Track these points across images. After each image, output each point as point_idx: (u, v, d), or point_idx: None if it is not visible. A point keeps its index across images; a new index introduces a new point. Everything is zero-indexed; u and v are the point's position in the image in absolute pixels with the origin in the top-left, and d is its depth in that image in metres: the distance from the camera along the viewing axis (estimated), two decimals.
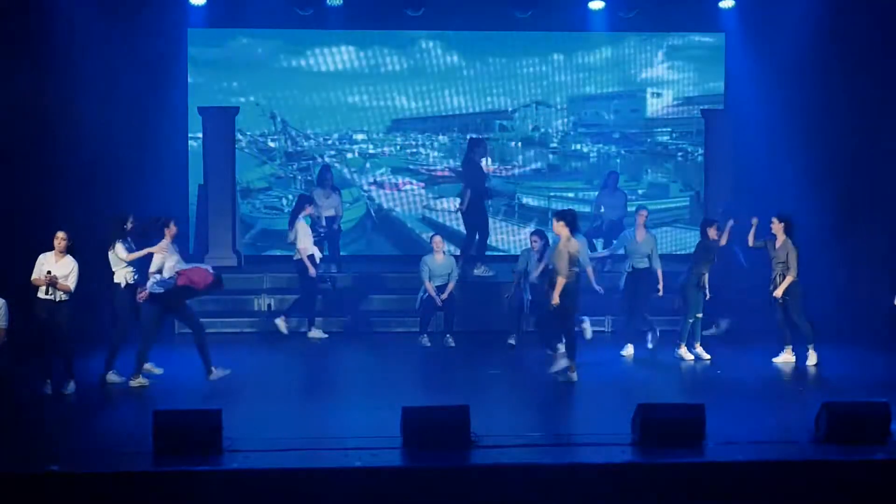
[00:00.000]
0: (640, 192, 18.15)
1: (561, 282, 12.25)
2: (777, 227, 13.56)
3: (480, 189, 16.01)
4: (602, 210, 16.96)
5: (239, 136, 17.62)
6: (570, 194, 18.28)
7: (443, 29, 17.75)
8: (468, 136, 17.14)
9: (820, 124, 16.04)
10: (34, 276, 11.90)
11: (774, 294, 13.46)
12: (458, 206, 16.28)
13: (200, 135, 17.29)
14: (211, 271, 12.39)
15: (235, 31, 17.64)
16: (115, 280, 12.55)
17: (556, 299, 12.32)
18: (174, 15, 16.50)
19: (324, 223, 16.24)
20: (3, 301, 11.79)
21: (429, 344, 14.74)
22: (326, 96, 17.85)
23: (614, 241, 15.02)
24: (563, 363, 12.65)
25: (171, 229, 12.50)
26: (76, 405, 11.67)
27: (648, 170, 18.36)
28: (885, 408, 10.30)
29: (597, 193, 17.37)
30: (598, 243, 17.03)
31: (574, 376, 12.53)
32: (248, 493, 9.23)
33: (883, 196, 15.73)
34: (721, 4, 16.87)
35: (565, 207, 14.00)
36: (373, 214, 18.20)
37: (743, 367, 13.41)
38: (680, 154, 18.37)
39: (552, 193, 18.29)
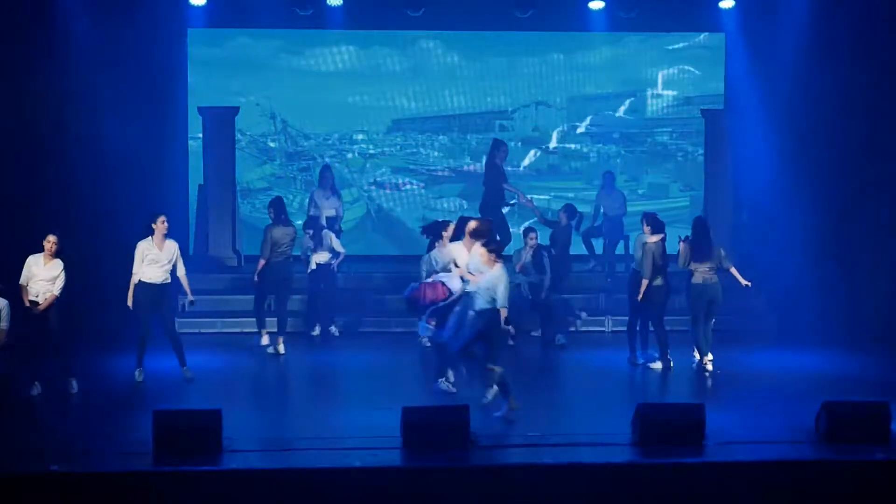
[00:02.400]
0: (640, 192, 18.14)
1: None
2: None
3: (499, 191, 16.12)
4: (601, 210, 16.97)
5: (239, 136, 17.61)
6: (570, 194, 18.25)
7: (443, 29, 17.74)
8: (493, 138, 17.14)
9: (819, 124, 16.04)
10: (23, 279, 11.96)
11: None
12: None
13: (200, 135, 17.30)
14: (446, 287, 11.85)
15: (235, 31, 17.63)
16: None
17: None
18: (174, 15, 16.50)
19: (324, 223, 16.23)
20: (6, 302, 11.80)
21: (429, 344, 14.74)
22: (326, 96, 17.84)
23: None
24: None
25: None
26: (76, 405, 11.68)
27: (648, 170, 18.35)
28: (885, 408, 10.30)
29: (595, 194, 17.37)
30: (598, 243, 17.05)
31: None
32: (248, 493, 9.23)
33: (882, 196, 15.73)
34: (721, 4, 16.86)
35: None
36: (373, 215, 18.19)
37: (743, 367, 13.41)
38: (680, 154, 18.37)
39: (552, 193, 18.28)
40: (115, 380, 12.53)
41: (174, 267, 12.70)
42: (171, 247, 12.72)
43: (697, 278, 13.18)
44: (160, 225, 12.62)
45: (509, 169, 18.01)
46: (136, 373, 12.58)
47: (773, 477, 9.55)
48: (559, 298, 14.86)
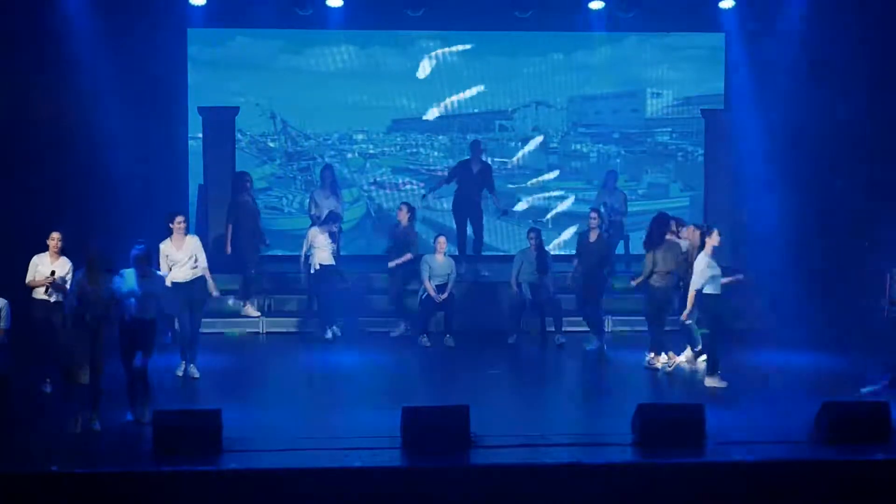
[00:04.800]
0: (640, 192, 18.14)
1: None
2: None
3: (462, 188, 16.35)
4: (602, 210, 16.94)
5: (239, 136, 17.62)
6: (571, 194, 18.27)
7: (443, 29, 17.74)
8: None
9: (820, 124, 16.05)
10: (29, 277, 11.94)
11: None
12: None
13: (200, 135, 17.30)
14: None
15: (235, 31, 17.62)
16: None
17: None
18: (174, 15, 16.50)
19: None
20: (5, 301, 11.78)
21: (429, 344, 14.75)
22: (326, 96, 17.84)
23: None
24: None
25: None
26: (77, 405, 11.65)
27: (648, 170, 18.34)
28: (885, 408, 10.32)
29: (596, 193, 17.36)
30: None
31: None
32: (248, 493, 9.23)
33: (882, 194, 15.73)
34: (721, 4, 16.86)
35: None
36: (373, 214, 18.19)
37: (742, 367, 13.41)
38: (680, 154, 18.36)
39: (552, 193, 18.27)
40: (116, 380, 12.51)
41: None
42: (191, 243, 12.79)
43: (654, 281, 13.25)
44: (176, 225, 12.67)
45: (509, 167, 18.07)
46: (185, 367, 12.73)
47: (773, 477, 9.56)
48: (559, 298, 14.87)
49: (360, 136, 18.08)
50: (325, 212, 15.60)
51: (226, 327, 15.47)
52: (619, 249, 16.93)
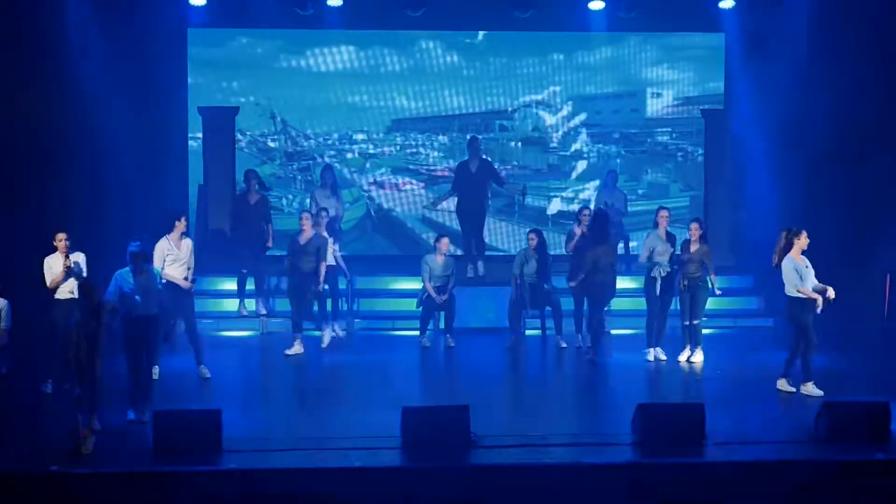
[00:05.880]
0: (640, 192, 18.15)
1: None
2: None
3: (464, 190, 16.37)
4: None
5: (239, 136, 17.63)
6: (570, 194, 18.27)
7: (443, 29, 17.75)
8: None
9: (820, 124, 16.03)
10: (48, 279, 11.91)
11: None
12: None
13: (200, 135, 17.30)
14: None
15: (235, 31, 17.64)
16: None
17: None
18: (174, 15, 16.50)
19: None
20: (6, 302, 11.79)
21: (429, 344, 14.75)
22: (326, 96, 17.85)
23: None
24: None
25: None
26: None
27: (648, 170, 18.35)
28: (885, 408, 10.32)
29: (596, 193, 17.37)
30: None
31: None
32: (248, 493, 9.23)
33: (882, 195, 15.72)
34: (721, 4, 16.87)
35: None
36: (373, 214, 18.19)
37: (743, 367, 13.42)
38: (680, 154, 18.36)
39: (552, 193, 18.29)
40: (115, 380, 12.52)
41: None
42: (188, 244, 12.98)
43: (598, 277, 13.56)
44: (181, 224, 12.79)
45: (509, 168, 18.06)
46: (201, 369, 12.73)
47: (773, 477, 9.55)
48: (560, 299, 14.86)
49: (360, 136, 18.09)
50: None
51: (226, 328, 15.48)
52: (619, 249, 16.91)
